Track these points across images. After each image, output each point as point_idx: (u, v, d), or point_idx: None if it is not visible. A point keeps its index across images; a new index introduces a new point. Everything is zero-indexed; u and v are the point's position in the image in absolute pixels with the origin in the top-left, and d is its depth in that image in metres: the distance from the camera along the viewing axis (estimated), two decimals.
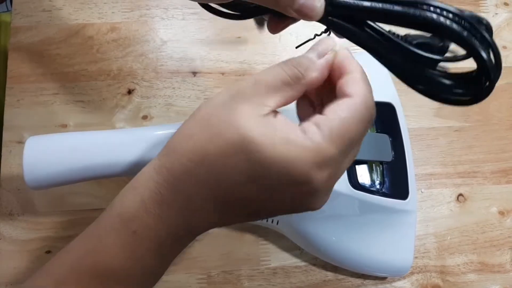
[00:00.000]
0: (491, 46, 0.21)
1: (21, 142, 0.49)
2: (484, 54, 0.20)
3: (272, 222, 0.44)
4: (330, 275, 0.47)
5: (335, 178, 0.24)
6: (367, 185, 0.42)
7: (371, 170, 0.43)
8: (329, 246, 0.43)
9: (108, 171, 0.36)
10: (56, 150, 0.36)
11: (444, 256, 0.48)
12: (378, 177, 0.43)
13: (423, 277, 0.47)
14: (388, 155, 0.43)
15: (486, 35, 0.21)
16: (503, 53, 0.56)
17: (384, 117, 0.45)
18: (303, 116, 0.27)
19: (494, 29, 0.57)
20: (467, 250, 0.49)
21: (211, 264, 0.47)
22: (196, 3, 0.31)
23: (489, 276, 0.48)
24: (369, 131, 0.44)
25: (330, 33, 0.26)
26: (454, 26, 0.21)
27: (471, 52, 0.21)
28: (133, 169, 0.35)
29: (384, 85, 0.47)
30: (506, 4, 0.59)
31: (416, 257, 0.48)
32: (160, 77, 0.53)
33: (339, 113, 0.22)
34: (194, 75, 0.53)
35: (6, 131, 0.50)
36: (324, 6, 0.24)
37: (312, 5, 0.24)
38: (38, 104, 0.51)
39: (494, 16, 0.58)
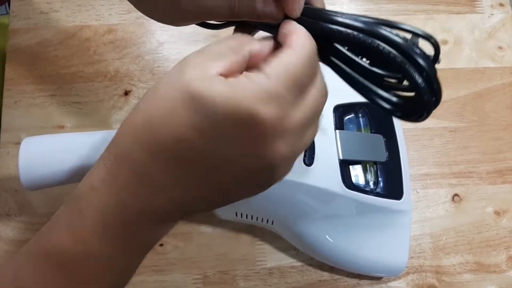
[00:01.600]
0: (427, 72, 0.21)
1: (19, 143, 0.48)
2: (418, 80, 0.21)
3: (267, 222, 0.44)
4: (326, 275, 0.47)
5: (288, 122, 0.22)
6: (361, 185, 0.42)
7: (365, 170, 0.43)
8: (324, 246, 0.44)
9: None
10: (52, 150, 0.36)
11: (440, 256, 0.48)
12: (372, 177, 0.43)
13: (419, 277, 0.48)
14: (382, 155, 0.43)
15: (421, 61, 0.21)
16: (498, 54, 0.56)
17: (379, 118, 0.45)
18: None
19: (489, 30, 0.57)
20: (463, 250, 0.49)
21: (207, 264, 0.47)
22: None
23: (485, 276, 0.48)
24: (363, 131, 0.44)
25: None
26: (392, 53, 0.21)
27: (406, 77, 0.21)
28: None
29: None
30: (501, 4, 0.59)
31: (411, 257, 0.48)
32: (157, 79, 0.53)
33: (282, 58, 0.22)
34: None
35: (4, 133, 0.50)
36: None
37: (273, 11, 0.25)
38: (35, 105, 0.51)
39: (489, 16, 0.58)
